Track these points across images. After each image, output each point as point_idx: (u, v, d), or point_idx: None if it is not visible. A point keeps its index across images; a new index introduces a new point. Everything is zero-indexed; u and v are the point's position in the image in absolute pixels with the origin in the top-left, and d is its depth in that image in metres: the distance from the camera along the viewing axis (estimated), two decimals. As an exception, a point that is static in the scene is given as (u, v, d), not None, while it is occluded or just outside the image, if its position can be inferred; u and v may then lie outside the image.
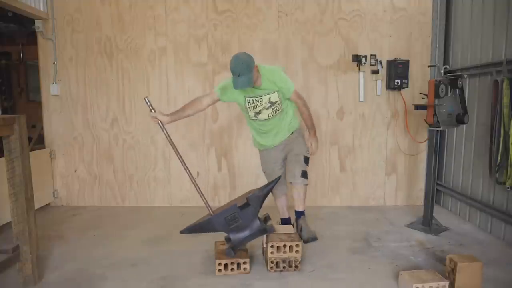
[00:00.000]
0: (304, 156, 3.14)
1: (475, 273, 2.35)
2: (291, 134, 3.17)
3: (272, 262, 2.68)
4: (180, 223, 3.75)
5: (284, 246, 2.66)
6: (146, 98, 2.80)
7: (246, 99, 2.97)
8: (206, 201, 2.84)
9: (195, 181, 2.85)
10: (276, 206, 3.40)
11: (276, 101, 2.98)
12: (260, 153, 3.34)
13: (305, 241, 3.10)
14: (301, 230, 3.19)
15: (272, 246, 2.66)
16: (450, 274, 2.43)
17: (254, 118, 3.06)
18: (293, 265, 2.69)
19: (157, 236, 3.42)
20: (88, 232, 3.53)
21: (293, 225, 3.23)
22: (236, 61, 2.72)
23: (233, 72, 2.73)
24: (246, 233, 2.72)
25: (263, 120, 3.05)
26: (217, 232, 2.76)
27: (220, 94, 3.01)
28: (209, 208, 2.81)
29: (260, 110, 2.99)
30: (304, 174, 3.12)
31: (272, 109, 2.99)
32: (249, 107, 3.00)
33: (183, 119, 3.11)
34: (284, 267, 2.69)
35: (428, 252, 3.04)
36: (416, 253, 3.03)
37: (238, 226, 2.69)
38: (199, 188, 2.84)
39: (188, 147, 4.33)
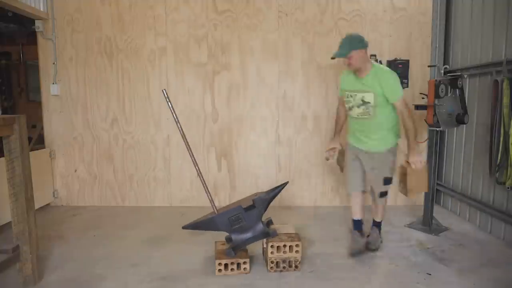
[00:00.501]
0: (385, 178, 2.94)
1: (421, 175, 2.87)
2: (381, 152, 2.92)
3: (272, 262, 2.68)
4: (180, 223, 3.74)
5: (284, 246, 2.67)
6: (164, 90, 2.83)
7: (346, 92, 2.95)
8: (211, 198, 2.83)
9: (202, 177, 2.84)
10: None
11: (369, 102, 2.80)
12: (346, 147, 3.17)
13: (367, 248, 3.05)
14: (367, 237, 3.15)
15: (272, 246, 2.66)
16: (402, 178, 2.92)
17: (349, 111, 2.99)
18: (293, 265, 2.69)
19: (157, 236, 3.42)
20: (88, 232, 3.53)
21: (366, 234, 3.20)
22: (346, 35, 2.81)
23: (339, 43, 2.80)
24: (248, 235, 2.73)
25: (354, 118, 2.96)
26: (220, 231, 2.76)
27: (340, 93, 3.08)
28: (214, 207, 2.81)
29: (351, 106, 2.91)
30: (383, 194, 3.01)
31: (363, 109, 2.84)
32: (346, 100, 2.96)
33: None
34: (284, 267, 2.69)
35: (428, 252, 3.04)
36: (416, 253, 3.03)
37: (241, 227, 2.69)
38: (206, 185, 2.83)
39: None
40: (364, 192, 3.13)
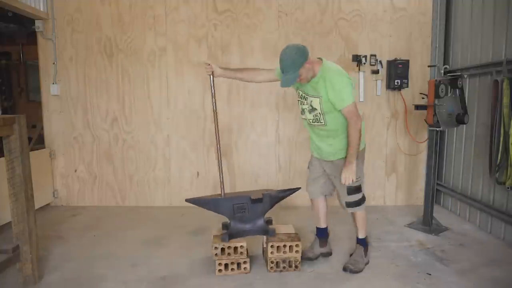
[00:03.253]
0: (347, 186, 2.62)
1: None
2: (343, 158, 2.61)
3: (272, 262, 2.68)
4: (180, 223, 3.77)
5: (284, 246, 2.67)
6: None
7: (298, 91, 2.67)
8: (223, 180, 2.81)
9: (221, 157, 2.84)
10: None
11: (316, 109, 2.54)
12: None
13: (343, 268, 2.73)
14: (350, 255, 2.87)
15: (272, 246, 2.66)
16: None
17: (301, 114, 2.72)
18: (293, 265, 2.69)
19: (157, 236, 3.42)
20: (88, 232, 3.53)
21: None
22: (283, 56, 2.42)
23: (280, 66, 2.47)
24: (247, 226, 2.73)
25: (309, 124, 2.69)
26: (220, 214, 2.77)
27: (278, 75, 2.68)
28: (223, 189, 2.80)
29: (304, 109, 2.64)
30: (350, 205, 2.69)
31: (314, 116, 2.58)
32: (298, 100, 2.70)
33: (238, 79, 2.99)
34: (284, 267, 2.69)
35: (428, 252, 3.04)
36: (416, 253, 3.03)
37: (242, 217, 2.69)
38: (221, 165, 2.84)
39: (188, 147, 4.33)
40: (325, 197, 2.90)
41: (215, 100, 2.82)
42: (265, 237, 2.79)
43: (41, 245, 2.71)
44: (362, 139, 2.61)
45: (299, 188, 2.90)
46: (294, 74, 2.41)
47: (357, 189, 2.65)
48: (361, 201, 2.71)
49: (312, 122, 2.63)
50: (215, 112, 2.81)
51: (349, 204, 2.69)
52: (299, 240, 2.70)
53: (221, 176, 2.84)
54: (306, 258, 2.84)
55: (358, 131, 2.48)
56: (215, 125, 2.83)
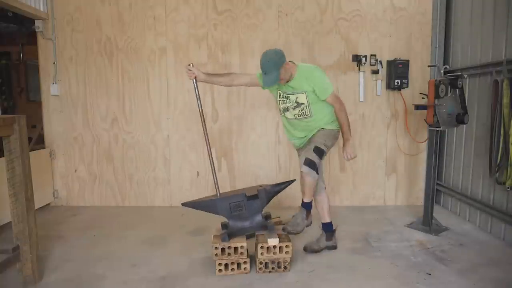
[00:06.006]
0: (315, 146, 2.77)
1: None
2: (319, 128, 2.87)
3: (261, 263, 2.66)
4: (180, 223, 3.77)
5: (274, 247, 2.63)
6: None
7: (278, 92, 2.89)
8: (217, 181, 2.83)
9: (212, 158, 2.87)
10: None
11: (303, 103, 2.79)
12: None
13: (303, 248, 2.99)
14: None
15: (262, 247, 2.63)
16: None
17: (282, 113, 2.95)
18: (282, 266, 2.67)
19: (157, 236, 3.42)
20: (88, 232, 3.53)
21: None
22: (263, 59, 2.68)
23: (261, 69, 2.71)
24: (246, 224, 2.72)
25: (290, 118, 2.91)
26: (218, 215, 2.77)
27: (259, 78, 2.89)
28: (217, 189, 2.80)
29: (287, 108, 2.87)
30: (310, 164, 2.70)
31: (299, 110, 2.83)
32: (279, 100, 2.91)
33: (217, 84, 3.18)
34: (273, 268, 2.67)
35: (428, 252, 3.04)
36: (416, 253, 3.02)
37: (240, 215, 2.69)
38: (213, 165, 2.87)
39: (188, 147, 4.33)
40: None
41: (200, 103, 2.90)
42: (256, 237, 2.78)
43: (41, 245, 2.71)
44: (336, 123, 2.89)
45: (294, 181, 2.92)
46: (276, 73, 2.66)
47: (319, 151, 2.78)
48: (315, 165, 2.73)
49: (298, 116, 2.85)
50: (201, 114, 2.87)
51: (307, 161, 2.72)
52: (289, 241, 2.68)
53: (214, 176, 2.85)
54: (312, 251, 2.98)
55: (345, 112, 2.83)
56: (203, 127, 2.87)
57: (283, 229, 2.78)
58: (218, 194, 2.79)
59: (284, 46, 4.22)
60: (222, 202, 2.72)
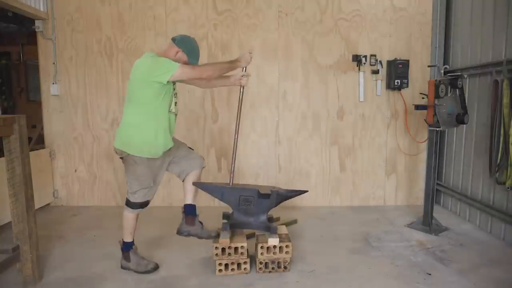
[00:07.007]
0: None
1: None
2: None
3: (261, 262, 2.66)
4: (180, 223, 3.75)
5: (274, 247, 2.63)
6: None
7: (173, 86, 2.64)
8: (233, 169, 2.80)
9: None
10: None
11: (178, 98, 2.73)
12: (148, 162, 2.66)
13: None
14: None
15: (262, 247, 2.64)
16: None
17: (171, 109, 2.65)
18: (282, 266, 2.68)
19: (157, 236, 3.42)
20: (88, 232, 3.53)
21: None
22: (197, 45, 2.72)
23: (197, 56, 2.78)
24: (250, 219, 2.72)
25: (173, 114, 2.68)
26: (225, 203, 2.76)
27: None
28: (232, 178, 2.79)
29: (175, 103, 2.68)
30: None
31: (177, 105, 2.70)
32: (173, 95, 2.66)
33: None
34: (273, 268, 2.67)
35: (428, 252, 3.04)
36: (416, 253, 3.03)
37: (247, 210, 2.68)
38: (235, 151, 2.87)
39: (188, 147, 4.33)
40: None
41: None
42: (256, 237, 2.78)
43: (41, 245, 2.70)
44: (146, 148, 2.64)
45: (306, 191, 2.89)
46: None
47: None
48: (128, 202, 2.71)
49: (176, 112, 2.71)
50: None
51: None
52: (289, 241, 2.68)
53: (233, 164, 2.80)
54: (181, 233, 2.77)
55: (205, 69, 2.75)
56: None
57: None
58: (231, 183, 2.78)
59: (284, 46, 4.24)
60: (232, 192, 2.71)
